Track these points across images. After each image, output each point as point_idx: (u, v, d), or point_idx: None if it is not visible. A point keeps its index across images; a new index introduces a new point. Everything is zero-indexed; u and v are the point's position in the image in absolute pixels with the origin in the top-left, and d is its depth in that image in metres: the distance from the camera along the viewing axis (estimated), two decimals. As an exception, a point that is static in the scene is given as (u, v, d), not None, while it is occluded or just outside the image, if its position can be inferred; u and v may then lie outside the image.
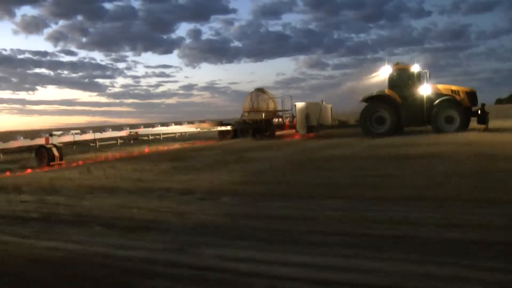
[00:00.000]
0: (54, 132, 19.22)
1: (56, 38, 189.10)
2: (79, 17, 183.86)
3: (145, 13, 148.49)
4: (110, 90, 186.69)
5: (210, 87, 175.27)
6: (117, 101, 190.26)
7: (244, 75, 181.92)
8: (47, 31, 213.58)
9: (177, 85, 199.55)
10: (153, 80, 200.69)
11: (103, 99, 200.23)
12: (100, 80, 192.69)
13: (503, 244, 4.58)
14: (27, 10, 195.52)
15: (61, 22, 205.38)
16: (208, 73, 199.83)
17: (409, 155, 13.07)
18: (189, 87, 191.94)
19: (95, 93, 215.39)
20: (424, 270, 3.94)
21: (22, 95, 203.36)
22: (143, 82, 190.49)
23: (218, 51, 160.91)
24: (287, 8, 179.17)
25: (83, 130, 21.53)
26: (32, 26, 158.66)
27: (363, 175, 9.80)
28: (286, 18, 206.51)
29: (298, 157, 15.29)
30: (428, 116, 23.22)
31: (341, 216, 6.11)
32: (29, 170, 15.07)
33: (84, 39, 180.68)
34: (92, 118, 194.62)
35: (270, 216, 6.47)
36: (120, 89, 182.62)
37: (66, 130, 23.49)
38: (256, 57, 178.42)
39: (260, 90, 29.08)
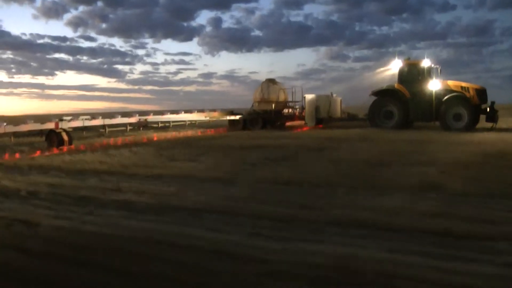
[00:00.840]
0: (64, 117, 19.67)
1: (76, 23, 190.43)
2: (100, 3, 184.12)
3: (166, 0, 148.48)
4: (129, 76, 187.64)
5: (230, 76, 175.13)
6: (136, 87, 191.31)
7: (264, 64, 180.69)
8: (67, 16, 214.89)
9: (196, 73, 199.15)
10: (173, 67, 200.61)
11: (122, 86, 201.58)
12: (119, 67, 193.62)
13: None
14: None
15: (81, 8, 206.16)
16: (227, 61, 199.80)
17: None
18: (209, 75, 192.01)
19: (114, 79, 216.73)
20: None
21: (41, 79, 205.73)
22: (162, 69, 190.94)
23: (238, 40, 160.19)
24: None
25: (93, 115, 21.96)
26: (52, 11, 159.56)
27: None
28: (308, 8, 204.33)
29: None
30: (436, 112, 23.14)
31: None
32: (38, 153, 15.38)
33: (104, 25, 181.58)
34: (110, 104, 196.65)
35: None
36: (139, 76, 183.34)
37: (85, 115, 23.89)
38: (276, 47, 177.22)
39: (271, 81, 29.17)
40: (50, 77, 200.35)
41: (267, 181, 8.69)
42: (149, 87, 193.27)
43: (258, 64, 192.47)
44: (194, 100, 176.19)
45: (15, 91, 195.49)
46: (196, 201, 7.05)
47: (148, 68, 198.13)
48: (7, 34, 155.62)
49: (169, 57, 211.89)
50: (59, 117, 19.34)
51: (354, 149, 14.10)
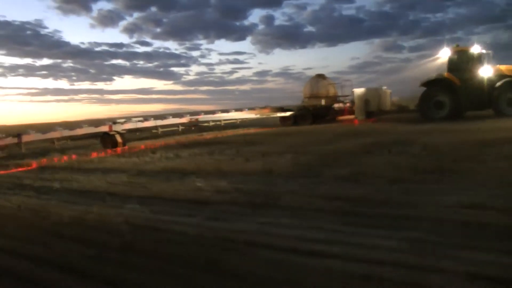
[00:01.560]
0: (117, 120, 20.71)
1: (131, 30, 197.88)
2: (153, 8, 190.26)
3: (217, 1, 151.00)
4: (185, 78, 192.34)
5: (284, 73, 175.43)
6: (192, 88, 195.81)
7: (318, 60, 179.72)
8: (123, 23, 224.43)
9: (251, 72, 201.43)
10: (227, 67, 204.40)
11: (178, 87, 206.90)
12: (175, 69, 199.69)
13: None
14: (103, 5, 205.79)
15: (136, 14, 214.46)
16: (281, 59, 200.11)
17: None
18: (263, 73, 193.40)
19: (170, 82, 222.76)
20: None
21: (100, 85, 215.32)
22: (217, 69, 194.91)
23: (291, 37, 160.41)
24: None
25: (145, 117, 22.93)
26: (108, 20, 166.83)
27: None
28: (360, 1, 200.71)
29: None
30: (489, 99, 22.40)
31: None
32: (94, 155, 16.39)
33: (158, 30, 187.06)
34: (167, 106, 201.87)
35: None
36: (194, 77, 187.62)
37: (138, 117, 25.07)
38: (329, 42, 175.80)
39: (320, 76, 29.31)
40: (108, 82, 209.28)
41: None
42: (205, 88, 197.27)
43: (312, 60, 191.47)
44: (250, 98, 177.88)
45: (76, 97, 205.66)
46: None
47: (203, 69, 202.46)
48: (67, 44, 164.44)
49: (224, 57, 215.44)
50: (113, 120, 20.34)
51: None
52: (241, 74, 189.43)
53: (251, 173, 9.42)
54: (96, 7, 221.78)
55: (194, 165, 11.28)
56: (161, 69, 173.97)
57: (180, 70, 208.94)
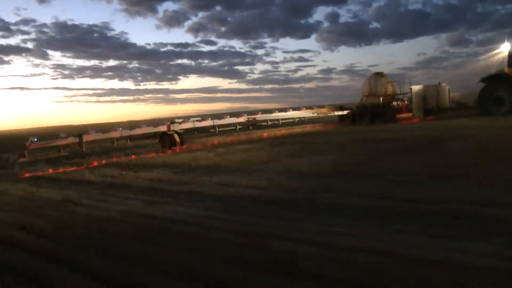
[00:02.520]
0: (176, 120, 21.94)
1: (196, 29, 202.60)
2: (218, 8, 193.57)
3: None
4: (249, 76, 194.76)
5: (349, 70, 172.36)
6: (257, 87, 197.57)
7: (383, 56, 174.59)
8: (188, 23, 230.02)
9: (316, 69, 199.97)
10: (292, 65, 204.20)
11: (243, 86, 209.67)
12: (239, 67, 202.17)
13: None
14: (169, 6, 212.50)
15: (201, 14, 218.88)
16: (346, 56, 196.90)
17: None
18: (328, 71, 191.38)
19: (235, 80, 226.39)
20: None
21: (165, 85, 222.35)
22: (282, 67, 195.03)
23: (356, 34, 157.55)
24: None
25: (203, 117, 24.04)
26: (174, 20, 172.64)
27: None
28: None
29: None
30: (551, 95, 21.53)
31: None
32: (152, 154, 17.53)
33: (223, 29, 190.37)
34: (232, 105, 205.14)
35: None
36: (259, 75, 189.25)
37: (196, 116, 26.26)
38: (395, 38, 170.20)
39: (379, 74, 29.24)
40: (173, 82, 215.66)
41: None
42: (269, 86, 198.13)
43: (377, 57, 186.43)
44: (315, 96, 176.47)
45: (141, 97, 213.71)
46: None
47: (267, 67, 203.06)
48: (133, 45, 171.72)
49: (288, 55, 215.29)
50: (171, 120, 21.56)
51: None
52: (305, 72, 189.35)
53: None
54: (161, 8, 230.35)
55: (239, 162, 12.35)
56: (226, 68, 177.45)
57: (245, 68, 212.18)
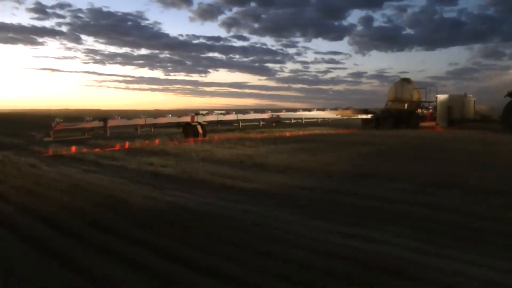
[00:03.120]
0: (200, 111, 22.17)
1: (229, 24, 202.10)
2: (252, 4, 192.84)
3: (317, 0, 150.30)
4: (279, 74, 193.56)
5: (380, 76, 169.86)
6: (285, 85, 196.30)
7: (415, 64, 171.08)
8: (221, 17, 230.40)
9: (346, 72, 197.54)
10: (322, 66, 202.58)
11: (272, 83, 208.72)
12: (270, 65, 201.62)
13: None
14: None
15: (235, 9, 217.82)
16: (377, 61, 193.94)
17: None
18: (358, 74, 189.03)
19: (265, 77, 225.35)
20: None
21: (195, 77, 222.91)
22: (312, 68, 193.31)
23: (389, 39, 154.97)
24: None
25: (227, 111, 24.20)
26: (208, 13, 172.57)
27: None
28: (463, 3, 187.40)
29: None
30: None
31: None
32: (173, 142, 18.10)
33: (256, 25, 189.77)
34: (260, 101, 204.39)
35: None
36: (289, 74, 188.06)
37: (221, 110, 26.43)
38: (428, 46, 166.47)
39: (405, 80, 29.17)
40: (203, 74, 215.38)
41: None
42: (298, 85, 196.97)
43: (409, 64, 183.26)
44: (343, 99, 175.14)
45: (170, 87, 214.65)
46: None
47: (298, 66, 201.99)
48: (166, 35, 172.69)
49: (319, 56, 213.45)
50: (196, 112, 21.82)
51: None
52: (335, 74, 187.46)
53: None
54: (196, 0, 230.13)
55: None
56: (256, 64, 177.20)
57: (275, 66, 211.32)
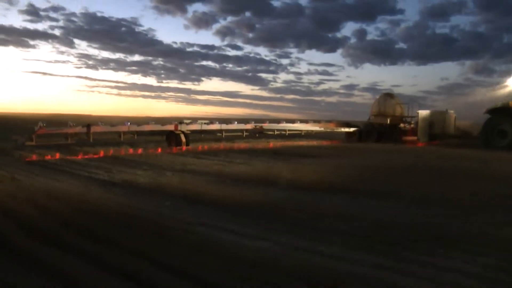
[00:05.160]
0: (184, 120, 22.39)
1: (223, 33, 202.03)
2: (247, 14, 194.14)
3: (311, 11, 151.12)
4: (272, 85, 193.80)
5: (372, 88, 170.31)
6: (278, 96, 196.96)
7: (407, 78, 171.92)
8: (216, 26, 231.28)
9: (339, 84, 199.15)
10: (315, 78, 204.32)
11: (264, 93, 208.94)
12: (263, 75, 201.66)
13: None
14: (198, 7, 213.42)
15: (230, 18, 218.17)
16: (370, 74, 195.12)
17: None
18: (351, 87, 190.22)
19: (257, 87, 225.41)
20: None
21: (187, 85, 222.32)
22: (305, 79, 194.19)
23: (382, 52, 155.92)
24: (457, 9, 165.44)
25: (211, 120, 24.39)
26: (202, 22, 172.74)
27: None
28: (455, 20, 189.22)
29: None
30: (556, 131, 21.73)
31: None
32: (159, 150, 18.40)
33: (250, 35, 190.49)
34: (252, 111, 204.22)
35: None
36: (282, 85, 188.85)
37: (205, 119, 26.50)
38: (420, 60, 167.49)
39: (388, 95, 29.62)
40: (196, 83, 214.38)
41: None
42: (291, 96, 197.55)
43: (401, 77, 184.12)
44: (336, 111, 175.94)
45: (163, 94, 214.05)
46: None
47: (291, 77, 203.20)
48: (160, 43, 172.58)
49: (313, 67, 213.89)
50: (180, 120, 22.04)
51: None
52: (328, 86, 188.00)
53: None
54: (191, 8, 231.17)
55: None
56: (250, 74, 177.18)
57: (268, 76, 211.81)
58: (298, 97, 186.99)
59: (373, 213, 7.38)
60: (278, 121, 27.63)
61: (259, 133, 26.91)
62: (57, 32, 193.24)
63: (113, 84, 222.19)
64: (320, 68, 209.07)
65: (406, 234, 6.12)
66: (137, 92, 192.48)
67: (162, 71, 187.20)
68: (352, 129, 28.88)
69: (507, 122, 23.15)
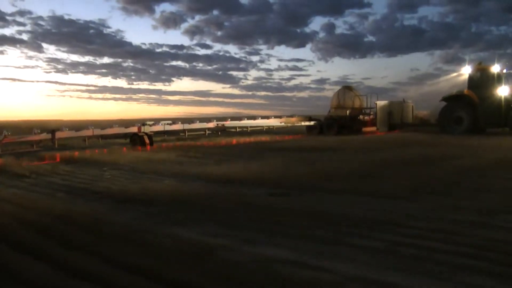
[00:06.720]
0: (147, 122, 22.23)
1: (192, 32, 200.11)
2: (215, 12, 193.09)
3: (279, 7, 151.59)
4: (243, 82, 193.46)
5: (343, 82, 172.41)
6: (250, 93, 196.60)
7: (377, 70, 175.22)
8: (184, 25, 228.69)
9: (309, 79, 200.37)
10: (286, 74, 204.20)
11: (236, 91, 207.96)
12: (233, 73, 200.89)
13: None
14: (166, 7, 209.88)
15: (198, 17, 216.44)
16: (340, 67, 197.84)
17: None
18: (321, 81, 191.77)
19: (229, 85, 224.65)
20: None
21: (158, 86, 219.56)
22: (276, 75, 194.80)
23: (351, 46, 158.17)
24: (424, 0, 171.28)
25: (173, 121, 24.29)
26: (170, 22, 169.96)
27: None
28: (423, 11, 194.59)
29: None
30: (505, 118, 22.86)
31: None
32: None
33: (219, 33, 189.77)
34: (225, 109, 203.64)
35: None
36: (253, 82, 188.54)
37: (168, 120, 26.31)
38: (390, 52, 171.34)
39: (347, 88, 30.38)
40: (167, 83, 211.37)
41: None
42: (263, 93, 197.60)
43: (371, 70, 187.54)
44: (307, 106, 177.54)
45: (134, 96, 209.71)
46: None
47: (262, 74, 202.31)
48: (129, 44, 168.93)
49: (283, 63, 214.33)
50: (142, 122, 21.88)
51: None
52: (299, 81, 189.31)
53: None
54: (159, 8, 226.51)
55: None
56: (220, 73, 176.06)
57: (239, 74, 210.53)
58: (270, 94, 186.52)
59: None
60: (239, 118, 27.76)
61: (221, 131, 26.94)
62: (24, 36, 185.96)
63: (83, 88, 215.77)
64: (290, 64, 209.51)
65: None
66: (108, 95, 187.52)
67: (132, 73, 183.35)
68: (312, 123, 29.33)
69: (462, 109, 24.18)
